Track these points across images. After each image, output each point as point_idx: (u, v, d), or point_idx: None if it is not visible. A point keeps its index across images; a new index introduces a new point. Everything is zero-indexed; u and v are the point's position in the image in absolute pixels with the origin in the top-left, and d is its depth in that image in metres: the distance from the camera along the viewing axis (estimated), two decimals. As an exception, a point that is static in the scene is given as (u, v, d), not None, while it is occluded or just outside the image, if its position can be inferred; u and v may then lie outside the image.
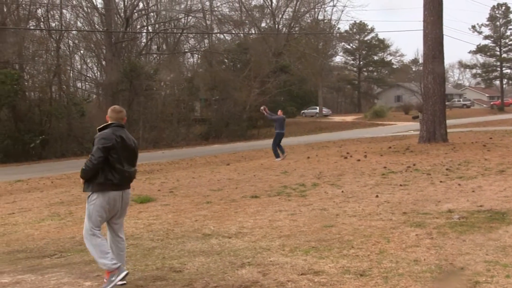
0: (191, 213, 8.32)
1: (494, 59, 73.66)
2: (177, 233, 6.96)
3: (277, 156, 16.80)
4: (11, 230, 7.99)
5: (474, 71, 79.49)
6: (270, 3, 55.52)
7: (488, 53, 74.37)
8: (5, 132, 29.66)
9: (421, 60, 52.61)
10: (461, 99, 74.92)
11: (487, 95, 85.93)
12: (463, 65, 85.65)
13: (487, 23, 71.56)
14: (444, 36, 17.86)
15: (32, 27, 35.16)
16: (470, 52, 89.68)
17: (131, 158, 4.95)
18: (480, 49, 74.01)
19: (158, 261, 5.61)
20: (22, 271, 5.59)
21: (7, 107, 29.96)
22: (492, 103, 67.36)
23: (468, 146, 16.26)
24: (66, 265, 5.75)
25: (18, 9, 32.88)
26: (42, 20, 35.95)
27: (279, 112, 17.35)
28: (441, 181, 9.99)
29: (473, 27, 72.75)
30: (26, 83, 32.15)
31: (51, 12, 36.11)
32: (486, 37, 72.19)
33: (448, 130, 18.49)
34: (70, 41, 41.41)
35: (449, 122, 19.63)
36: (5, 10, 31.79)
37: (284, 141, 18.11)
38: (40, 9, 35.17)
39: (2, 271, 5.63)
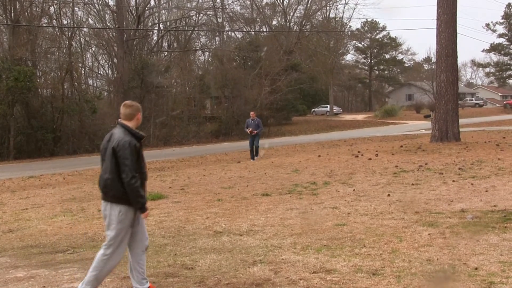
0: (202, 211, 8.34)
1: (508, 57, 72.91)
2: (188, 230, 6.98)
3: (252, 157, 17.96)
4: (25, 226, 8.07)
5: (487, 69, 78.82)
6: (281, 1, 55.44)
7: (502, 52, 73.70)
8: (18, 129, 29.96)
9: (433, 59, 52.24)
10: (473, 98, 74.23)
11: (500, 94, 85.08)
12: (476, 64, 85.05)
13: (502, 21, 70.91)
14: (458, 35, 17.71)
15: (44, 25, 35.42)
16: (483, 50, 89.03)
17: (104, 163, 4.43)
18: (494, 48, 73.38)
19: (170, 258, 5.63)
20: (36, 266, 5.65)
21: (20, 104, 30.26)
22: (505, 102, 66.56)
23: (481, 146, 16.11)
24: (78, 260, 5.80)
25: (31, 6, 33.13)
26: (55, 17, 36.22)
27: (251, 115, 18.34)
28: (453, 181, 9.91)
29: (487, 25, 72.20)
30: (38, 80, 32.41)
31: (63, 10, 36.36)
32: (500, 35, 71.56)
33: (461, 129, 18.35)
34: (82, 38, 41.66)
35: (461, 121, 19.47)
36: (18, 7, 32.05)
37: (296, 139, 18.16)
38: (52, 7, 35.45)
39: (17, 266, 5.70)
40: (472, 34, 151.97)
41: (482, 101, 72.57)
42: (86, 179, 15.27)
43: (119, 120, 4.51)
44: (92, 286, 4.40)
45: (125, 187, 4.28)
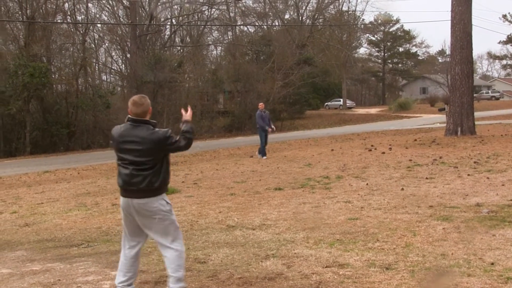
0: (215, 205, 8.36)
1: (525, 49, 71.69)
2: (201, 225, 7.00)
3: (260, 153, 15.90)
4: (40, 220, 8.16)
5: (504, 62, 77.63)
6: (294, -6, 55.08)
7: (518, 44, 72.52)
8: (34, 124, 30.34)
9: (448, 51, 51.62)
10: (489, 91, 73.22)
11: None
12: (492, 56, 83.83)
13: (519, 12, 69.58)
14: (473, 26, 17.48)
15: (59, 21, 35.71)
16: (500, 42, 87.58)
17: (126, 158, 4.18)
18: (511, 39, 72.20)
19: (183, 252, 5.64)
20: (51, 259, 5.72)
21: (35, 99, 30.63)
22: (522, 95, 65.67)
23: (497, 139, 15.91)
24: (93, 254, 5.85)
25: (46, 3, 33.43)
26: (69, 13, 36.52)
27: (260, 106, 16.05)
28: (468, 174, 9.79)
29: (504, 16, 70.87)
30: (53, 76, 32.73)
31: (77, 6, 36.65)
32: (516, 27, 70.29)
33: (476, 123, 18.13)
34: (95, 34, 41.93)
35: (477, 114, 19.22)
36: (34, 4, 32.36)
37: (309, 133, 17.97)
38: (66, 3, 35.74)
39: (33, 259, 5.77)
40: (488, 26, 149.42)
41: (498, 93, 71.57)
42: (100, 174, 15.39)
43: (135, 117, 4.20)
44: (183, 283, 4.25)
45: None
